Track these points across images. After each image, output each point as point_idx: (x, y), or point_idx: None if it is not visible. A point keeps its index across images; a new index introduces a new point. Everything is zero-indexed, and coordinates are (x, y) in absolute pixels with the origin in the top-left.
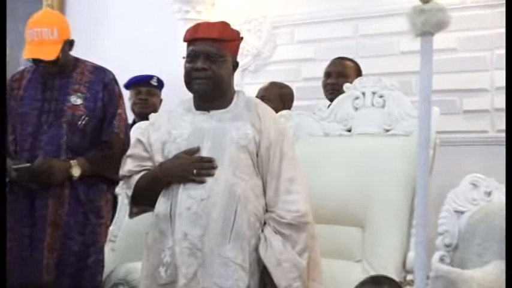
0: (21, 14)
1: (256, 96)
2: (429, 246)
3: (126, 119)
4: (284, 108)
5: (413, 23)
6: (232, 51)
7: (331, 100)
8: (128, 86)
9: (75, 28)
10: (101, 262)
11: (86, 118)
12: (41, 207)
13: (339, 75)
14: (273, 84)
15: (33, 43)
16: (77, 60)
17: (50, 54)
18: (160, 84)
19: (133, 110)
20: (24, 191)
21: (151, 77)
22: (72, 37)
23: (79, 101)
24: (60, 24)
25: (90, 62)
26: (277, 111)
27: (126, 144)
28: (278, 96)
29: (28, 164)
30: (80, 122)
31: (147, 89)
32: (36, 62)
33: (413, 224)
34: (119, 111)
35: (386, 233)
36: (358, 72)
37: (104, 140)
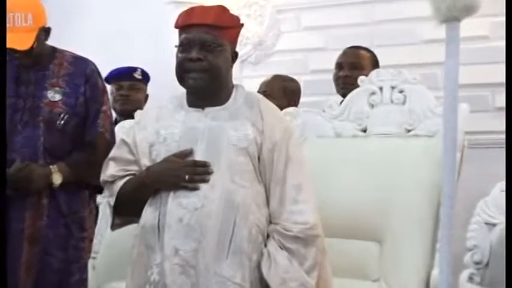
0: None
1: (258, 91)
2: (456, 264)
3: (111, 116)
4: (290, 105)
5: (437, 8)
6: (231, 39)
7: (344, 95)
8: (108, 79)
9: (52, 13)
10: (84, 281)
11: (66, 116)
12: (17, 220)
13: (352, 66)
14: (277, 78)
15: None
16: (54, 50)
17: (24, 43)
18: (146, 77)
19: (114, 108)
20: None
21: (134, 69)
22: (48, 24)
23: (57, 97)
24: (35, 9)
25: (69, 52)
26: (281, 109)
27: (111, 145)
28: (282, 91)
29: None
30: (58, 121)
31: (129, 83)
32: (8, 51)
33: (438, 237)
34: (104, 108)
35: (407, 248)
36: (375, 64)
37: (87, 140)
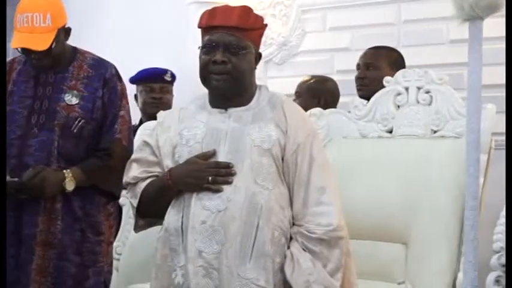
0: None
1: (296, 91)
2: (483, 266)
3: (129, 122)
4: (328, 106)
5: (460, 6)
6: (255, 41)
7: (361, 97)
8: (135, 80)
9: (71, 14)
10: (101, 284)
11: (82, 121)
12: (29, 224)
13: (367, 67)
14: (319, 79)
15: (22, 30)
16: (75, 50)
17: (42, 44)
18: (174, 79)
19: (143, 110)
20: (12, 203)
21: (165, 71)
22: (69, 23)
23: (74, 101)
24: (54, 8)
25: (90, 54)
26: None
27: (129, 152)
28: (326, 92)
29: (16, 179)
30: (74, 126)
31: (160, 85)
32: (26, 52)
33: (464, 240)
34: (121, 113)
35: (433, 250)
36: (396, 63)
37: (103, 147)
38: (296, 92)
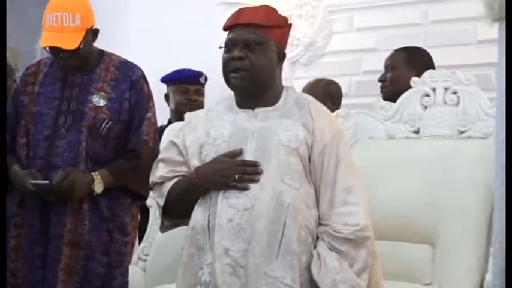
0: None
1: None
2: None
3: (155, 124)
4: (333, 107)
5: (489, 6)
6: (277, 39)
7: (384, 99)
8: (168, 80)
9: (97, 15)
10: (127, 285)
11: (110, 122)
12: (57, 224)
13: (386, 69)
14: (319, 81)
15: (51, 30)
16: (102, 53)
17: (71, 42)
18: (206, 81)
19: (176, 111)
20: (38, 204)
21: (200, 73)
22: (97, 25)
23: (102, 102)
24: (83, 9)
25: (116, 56)
26: None
27: (155, 153)
28: (325, 94)
29: (47, 182)
30: (102, 128)
31: (196, 87)
32: (54, 52)
33: (492, 241)
34: (148, 114)
35: (460, 251)
36: (417, 63)
37: (130, 148)
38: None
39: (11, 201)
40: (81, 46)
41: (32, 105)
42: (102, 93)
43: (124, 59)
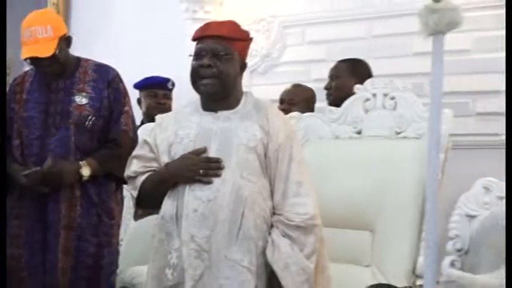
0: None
1: (282, 99)
2: (439, 251)
3: (133, 116)
4: (309, 110)
5: (425, 23)
6: (240, 50)
7: (329, 104)
8: (140, 86)
9: (82, 27)
10: (114, 263)
11: (93, 118)
12: (53, 211)
13: (331, 78)
14: (299, 87)
15: (28, 43)
16: (79, 59)
17: (46, 51)
18: (173, 87)
19: (147, 113)
20: (34, 196)
21: (167, 80)
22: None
23: (84, 101)
24: (54, 21)
25: (92, 61)
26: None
27: (134, 141)
28: (305, 100)
29: (38, 168)
30: (87, 122)
31: (164, 92)
32: (35, 62)
33: (424, 228)
34: (126, 108)
35: (396, 237)
36: (357, 73)
37: (111, 138)
38: (291, 99)
39: (10, 196)
40: (57, 53)
41: (21, 110)
42: (83, 93)
43: (100, 63)
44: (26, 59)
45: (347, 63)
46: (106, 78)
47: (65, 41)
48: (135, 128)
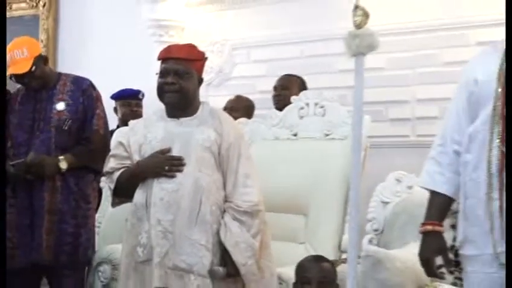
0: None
1: (226, 106)
2: (360, 231)
3: (105, 117)
4: (248, 116)
5: (348, 45)
6: (197, 68)
7: (278, 109)
8: (116, 97)
9: (67, 47)
10: (91, 239)
11: (70, 121)
12: (38, 198)
13: (283, 88)
14: (240, 98)
15: (10, 64)
16: (59, 74)
17: (22, 68)
18: (143, 97)
19: (122, 119)
20: (23, 187)
21: (139, 91)
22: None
23: (63, 107)
24: (29, 44)
25: (72, 75)
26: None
27: (106, 138)
28: (245, 108)
29: (22, 159)
30: (65, 125)
31: (136, 101)
32: (17, 79)
33: (348, 212)
34: (97, 111)
35: (325, 219)
36: (302, 86)
37: (85, 136)
38: (232, 107)
39: (7, 189)
40: (33, 69)
41: (14, 119)
42: (62, 102)
43: (76, 75)
44: (10, 77)
45: (295, 78)
46: (81, 88)
47: (41, 59)
48: (107, 127)
